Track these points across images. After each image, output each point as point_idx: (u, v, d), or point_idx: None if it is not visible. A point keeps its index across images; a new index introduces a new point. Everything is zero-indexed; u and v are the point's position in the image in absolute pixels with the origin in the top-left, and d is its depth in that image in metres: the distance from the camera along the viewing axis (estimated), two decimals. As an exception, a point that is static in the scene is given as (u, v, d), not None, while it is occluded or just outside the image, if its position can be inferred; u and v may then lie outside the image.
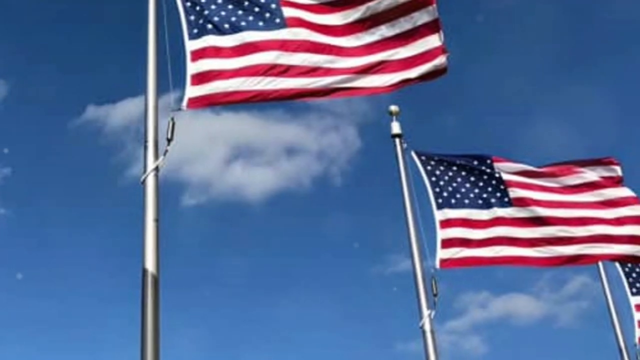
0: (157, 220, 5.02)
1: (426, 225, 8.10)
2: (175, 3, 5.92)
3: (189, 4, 5.95)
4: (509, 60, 25.93)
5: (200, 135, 21.87)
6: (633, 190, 9.05)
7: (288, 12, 6.08)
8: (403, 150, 8.42)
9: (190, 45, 5.77)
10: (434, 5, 6.25)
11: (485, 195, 8.48)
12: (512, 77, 24.76)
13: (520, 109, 25.61)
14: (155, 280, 4.82)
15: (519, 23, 26.38)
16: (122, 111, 23.66)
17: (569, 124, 24.12)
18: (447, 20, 6.31)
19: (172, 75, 5.57)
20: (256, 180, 24.75)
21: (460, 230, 8.22)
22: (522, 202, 8.48)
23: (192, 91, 5.58)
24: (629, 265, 10.47)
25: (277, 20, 6.02)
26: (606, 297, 10.23)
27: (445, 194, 8.39)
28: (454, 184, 8.49)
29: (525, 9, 25.93)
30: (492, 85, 25.34)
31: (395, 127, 8.56)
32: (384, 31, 6.22)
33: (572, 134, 23.28)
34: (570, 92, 24.14)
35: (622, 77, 25.63)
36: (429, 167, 8.50)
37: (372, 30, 6.22)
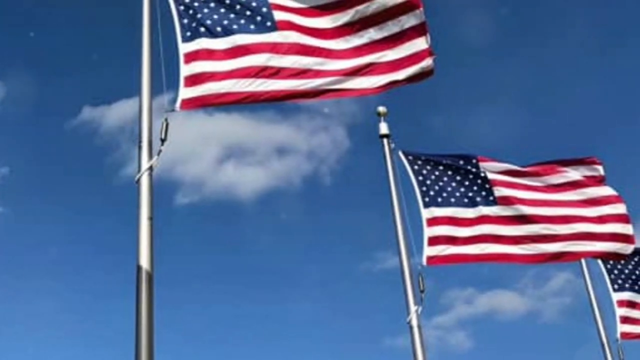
0: (151, 219, 5.10)
1: (413, 223, 8.22)
2: (169, 7, 6.00)
3: (182, 7, 6.02)
4: (495, 61, 26.23)
5: (193, 136, 22.06)
6: (615, 189, 9.20)
7: (279, 15, 6.18)
8: (391, 150, 8.51)
9: (184, 47, 5.86)
10: (421, 9, 6.36)
11: (470, 194, 8.57)
12: (496, 78, 25.07)
13: (505, 109, 25.92)
14: (150, 277, 4.90)
15: (504, 25, 26.67)
16: (117, 112, 23.92)
17: (553, 124, 24.44)
18: (431, 24, 6.46)
19: (165, 77, 5.67)
20: (248, 180, 24.99)
21: (446, 228, 8.29)
22: (506, 201, 8.57)
23: (186, 92, 5.67)
24: (611, 262, 10.52)
25: (268, 24, 6.12)
26: (589, 293, 10.31)
27: (431, 193, 8.46)
28: (441, 183, 8.56)
29: (509, 11, 26.23)
30: (477, 86, 25.65)
31: (383, 128, 8.66)
32: (372, 34, 6.32)
33: (556, 134, 23.59)
34: (555, 93, 24.46)
35: (606, 77, 25.97)
36: (416, 167, 8.57)
37: (361, 33, 6.33)
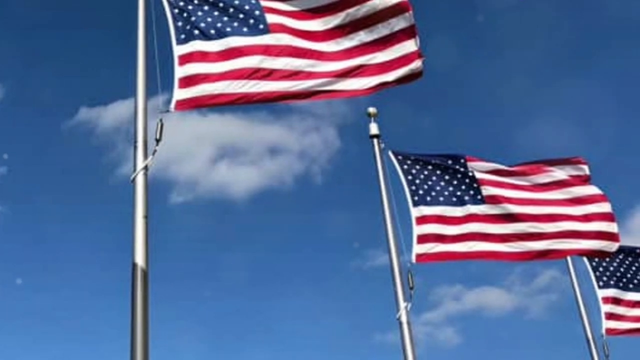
0: (146, 217, 5.20)
1: (403, 222, 8.29)
2: (164, 10, 6.09)
3: (176, 10, 6.12)
4: (481, 64, 26.49)
5: (188, 136, 22.26)
6: (600, 188, 9.29)
7: (271, 18, 6.29)
8: (381, 150, 8.60)
9: (178, 50, 5.95)
10: (411, 12, 6.47)
11: (459, 193, 8.65)
12: (484, 79, 25.35)
13: (492, 110, 26.20)
14: (145, 274, 4.99)
15: (494, 29, 26.93)
16: (113, 113, 24.19)
17: (539, 124, 24.71)
18: (422, 26, 6.59)
19: (160, 78, 5.74)
20: (241, 179, 25.25)
21: (435, 226, 8.38)
22: (494, 200, 8.66)
23: (180, 94, 5.76)
24: (596, 259, 10.62)
25: (261, 26, 6.22)
26: (574, 290, 10.43)
27: (421, 192, 8.55)
28: (429, 182, 8.65)
29: (503, 16, 26.47)
30: (465, 87, 25.91)
31: (373, 128, 8.75)
32: (363, 36, 6.43)
33: (542, 134, 23.85)
34: (542, 94, 24.74)
35: (592, 78, 26.27)
36: (405, 166, 8.66)
37: (351, 35, 6.44)
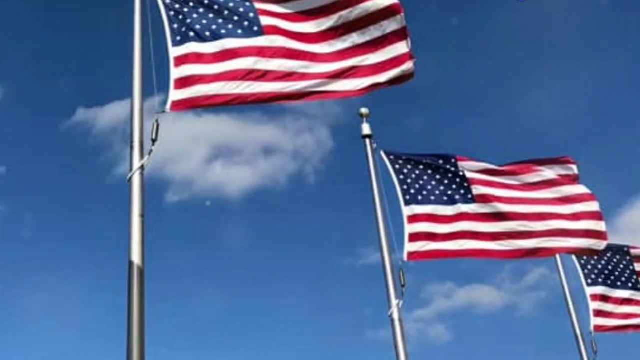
0: (142, 216, 5.29)
1: (395, 220, 8.38)
2: (160, 12, 6.18)
3: (172, 13, 6.20)
4: (473, 64, 26.70)
5: (183, 136, 22.45)
6: (588, 187, 9.41)
7: (265, 20, 6.38)
8: (373, 150, 8.69)
9: (174, 51, 6.04)
10: (402, 14, 6.58)
11: (450, 192, 8.75)
12: (476, 80, 25.56)
13: (484, 111, 26.41)
14: (141, 272, 5.08)
15: (482, 29, 27.12)
16: (110, 113, 24.41)
17: (530, 124, 24.92)
18: (414, 28, 6.69)
19: (156, 79, 5.84)
20: (235, 178, 25.48)
21: (426, 225, 8.47)
22: (484, 199, 8.76)
23: (176, 95, 5.85)
24: (585, 257, 10.72)
25: (255, 28, 6.31)
26: (563, 287, 10.54)
27: (412, 191, 8.64)
28: (421, 182, 8.73)
29: (490, 16, 26.66)
30: (457, 88, 26.11)
31: (366, 129, 8.84)
32: (355, 38, 6.54)
33: (532, 134, 24.05)
34: (531, 95, 24.96)
35: (581, 79, 26.50)
36: (397, 166, 8.74)
37: (344, 37, 6.54)
